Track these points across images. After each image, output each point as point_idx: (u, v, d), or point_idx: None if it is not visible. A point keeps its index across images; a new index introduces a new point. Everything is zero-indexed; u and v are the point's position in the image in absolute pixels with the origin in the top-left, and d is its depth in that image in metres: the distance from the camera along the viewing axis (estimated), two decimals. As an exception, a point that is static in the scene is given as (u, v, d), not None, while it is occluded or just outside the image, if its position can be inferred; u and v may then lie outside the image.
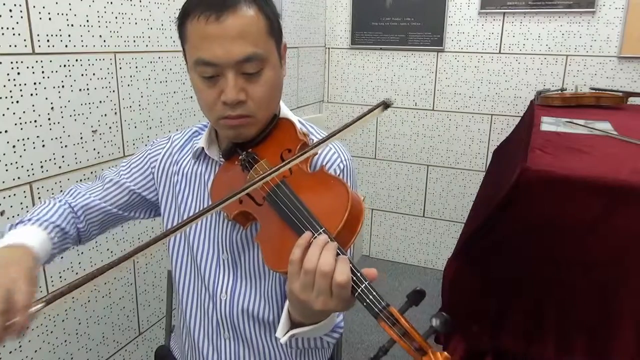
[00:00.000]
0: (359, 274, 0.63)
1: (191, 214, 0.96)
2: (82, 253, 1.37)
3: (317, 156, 0.90)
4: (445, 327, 0.59)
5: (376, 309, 0.60)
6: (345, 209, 0.68)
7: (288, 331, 0.74)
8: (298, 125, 0.89)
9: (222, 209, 0.85)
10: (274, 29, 0.84)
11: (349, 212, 0.67)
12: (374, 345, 2.22)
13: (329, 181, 0.76)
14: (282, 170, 0.72)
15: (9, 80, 1.12)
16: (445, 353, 0.59)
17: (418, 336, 0.59)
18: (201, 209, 0.95)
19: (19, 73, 1.14)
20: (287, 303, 0.74)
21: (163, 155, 1.01)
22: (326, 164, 0.89)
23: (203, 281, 0.95)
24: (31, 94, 1.18)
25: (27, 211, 1.19)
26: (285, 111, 0.95)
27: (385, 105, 0.68)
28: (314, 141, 0.92)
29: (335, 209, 0.69)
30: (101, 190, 1.01)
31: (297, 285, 0.64)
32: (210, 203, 0.92)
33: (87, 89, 1.32)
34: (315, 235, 0.66)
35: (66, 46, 1.25)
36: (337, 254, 0.64)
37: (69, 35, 1.25)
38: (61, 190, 1.28)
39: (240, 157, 0.85)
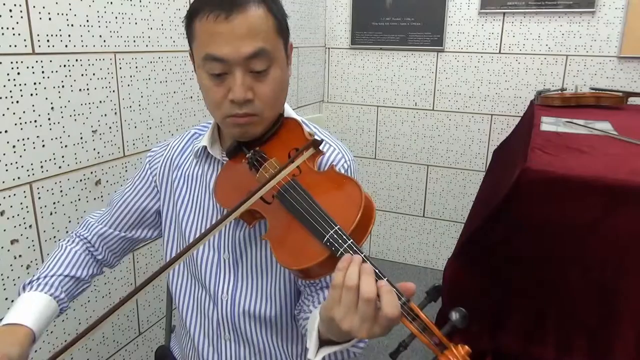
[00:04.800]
0: (377, 271, 0.63)
1: (190, 215, 0.96)
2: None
3: (322, 156, 0.90)
4: (464, 321, 0.60)
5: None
6: (359, 206, 0.68)
7: (318, 350, 0.73)
8: (304, 125, 0.89)
9: (229, 208, 0.85)
10: (282, 28, 0.84)
11: (362, 209, 0.68)
12: (375, 345, 2.22)
13: (341, 179, 0.77)
14: (297, 163, 0.73)
15: (9, 80, 1.12)
16: (467, 347, 0.59)
17: (438, 331, 0.60)
18: (201, 209, 0.95)
19: (19, 73, 1.14)
20: (315, 321, 0.74)
21: (163, 163, 1.01)
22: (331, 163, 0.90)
23: (202, 283, 0.95)
24: (31, 94, 1.18)
25: (27, 211, 1.19)
26: (289, 111, 0.95)
27: (316, 144, 0.72)
28: (321, 136, 0.93)
29: (349, 206, 0.69)
30: (110, 217, 1.02)
31: (339, 311, 0.62)
32: (214, 202, 0.92)
33: (87, 89, 1.32)
34: (330, 233, 0.66)
35: (66, 46, 1.25)
36: (376, 279, 0.62)
37: (69, 35, 1.25)
38: (61, 190, 1.28)
39: (248, 155, 0.85)
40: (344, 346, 0.72)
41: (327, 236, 0.66)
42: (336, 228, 0.66)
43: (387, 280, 0.63)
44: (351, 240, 0.65)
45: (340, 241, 0.65)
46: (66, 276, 0.96)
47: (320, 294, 0.89)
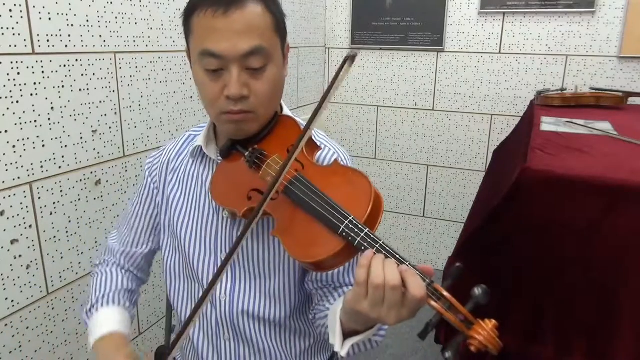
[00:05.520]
0: (398, 256, 0.66)
1: (185, 216, 0.96)
2: (82, 253, 1.37)
3: (320, 154, 0.90)
4: (487, 296, 0.62)
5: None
6: (370, 196, 0.69)
7: (344, 342, 0.75)
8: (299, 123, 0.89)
9: (229, 208, 0.85)
10: (280, 27, 0.85)
11: (373, 199, 0.69)
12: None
13: (347, 171, 0.77)
14: (297, 153, 0.73)
15: (9, 80, 1.12)
16: (494, 320, 0.61)
17: (463, 308, 0.62)
18: (196, 209, 0.95)
19: (19, 73, 1.14)
20: (336, 316, 0.76)
21: (160, 167, 1.01)
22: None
23: (200, 283, 0.95)
24: (31, 94, 1.18)
25: (27, 211, 1.19)
26: (286, 111, 0.95)
27: (352, 58, 0.69)
28: (317, 137, 0.93)
29: (360, 196, 0.70)
30: (129, 236, 1.05)
31: (366, 304, 0.65)
32: (210, 202, 0.92)
33: (87, 89, 1.32)
34: (345, 223, 0.67)
35: (66, 46, 1.25)
36: (397, 265, 0.65)
37: (69, 35, 1.25)
38: (61, 190, 1.28)
39: (246, 154, 0.85)
40: (368, 334, 0.74)
41: (342, 227, 0.67)
42: (351, 218, 0.67)
43: (408, 264, 0.65)
44: (367, 229, 0.66)
45: (356, 231, 0.66)
46: (120, 290, 1.00)
47: (335, 294, 0.89)
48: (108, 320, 0.93)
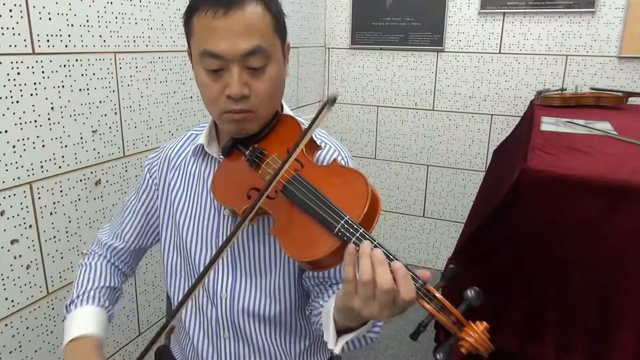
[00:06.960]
0: (392, 256, 0.65)
1: (188, 213, 0.96)
2: (82, 253, 1.36)
3: (320, 153, 0.91)
4: (479, 299, 0.62)
5: (415, 286, 0.64)
6: (367, 196, 0.69)
7: (337, 339, 0.76)
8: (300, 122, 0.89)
9: (230, 206, 0.86)
10: (280, 26, 0.85)
11: (370, 199, 0.69)
12: (375, 345, 2.22)
13: (345, 172, 0.78)
14: (297, 152, 0.73)
15: (9, 80, 1.12)
16: (484, 322, 0.60)
17: (455, 310, 0.63)
18: (198, 207, 0.95)
19: (19, 73, 1.14)
20: (329, 313, 0.76)
21: (160, 165, 1.02)
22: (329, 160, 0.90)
23: (201, 282, 0.95)
24: (31, 94, 1.18)
25: (27, 211, 1.19)
26: (287, 111, 0.95)
27: (333, 100, 0.69)
28: (318, 136, 0.93)
29: (356, 196, 0.70)
30: (120, 230, 1.05)
31: (357, 301, 0.65)
32: (212, 200, 0.92)
33: (87, 89, 1.32)
34: (341, 223, 0.67)
35: (66, 46, 1.25)
36: (389, 261, 0.65)
37: (69, 35, 1.25)
38: (61, 190, 1.28)
39: (247, 152, 0.85)
40: (361, 331, 0.74)
41: (338, 226, 0.67)
42: (346, 218, 0.67)
43: (404, 265, 0.65)
44: (362, 229, 0.67)
45: (351, 230, 0.67)
46: (102, 287, 0.99)
47: (330, 291, 0.90)
48: (83, 321, 0.91)
